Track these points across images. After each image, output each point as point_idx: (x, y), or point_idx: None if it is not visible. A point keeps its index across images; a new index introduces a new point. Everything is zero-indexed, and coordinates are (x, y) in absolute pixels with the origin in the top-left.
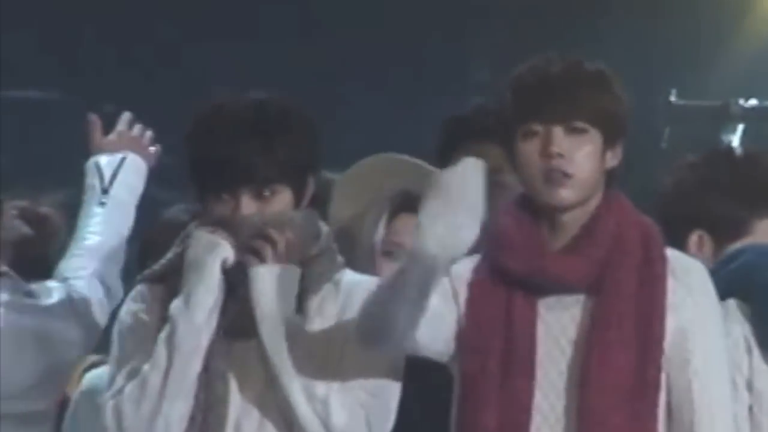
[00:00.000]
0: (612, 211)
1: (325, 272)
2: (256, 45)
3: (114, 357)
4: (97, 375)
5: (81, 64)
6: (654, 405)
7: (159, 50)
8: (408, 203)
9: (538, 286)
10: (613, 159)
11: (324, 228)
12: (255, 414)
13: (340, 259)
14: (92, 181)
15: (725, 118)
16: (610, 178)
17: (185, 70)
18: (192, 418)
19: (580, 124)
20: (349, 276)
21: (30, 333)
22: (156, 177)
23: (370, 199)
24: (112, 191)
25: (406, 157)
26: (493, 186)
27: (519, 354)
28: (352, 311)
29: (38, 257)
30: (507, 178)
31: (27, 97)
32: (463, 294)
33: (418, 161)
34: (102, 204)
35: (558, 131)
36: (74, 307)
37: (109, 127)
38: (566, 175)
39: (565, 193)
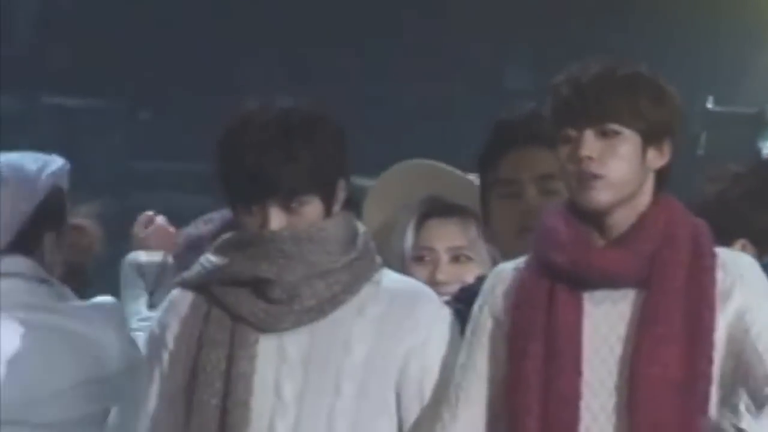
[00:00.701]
0: (661, 210)
1: (364, 273)
2: (286, 49)
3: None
4: None
5: (120, 73)
6: (705, 399)
7: (191, 58)
8: (437, 208)
9: (584, 281)
10: (658, 159)
11: (361, 229)
12: (291, 415)
13: (379, 259)
14: (134, 278)
15: (761, 124)
16: (660, 178)
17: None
18: (212, 424)
19: (612, 127)
20: (390, 277)
21: (64, 336)
22: (194, 184)
23: (399, 205)
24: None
25: (435, 163)
26: (548, 192)
27: (563, 352)
28: (398, 320)
29: (75, 267)
30: (560, 185)
31: (67, 104)
32: (501, 303)
33: (448, 167)
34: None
35: (589, 134)
36: (117, 324)
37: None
38: (596, 177)
39: (597, 195)
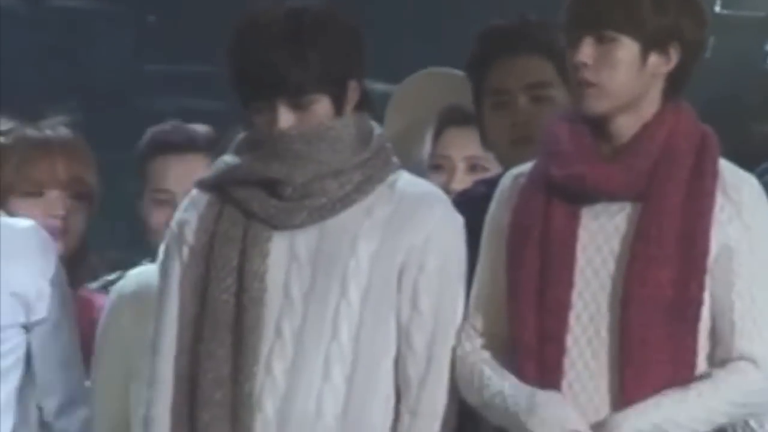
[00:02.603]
0: (665, 121)
1: (377, 174)
2: None
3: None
4: (147, 271)
5: None
6: (694, 321)
7: None
8: (455, 117)
9: (580, 193)
10: (662, 65)
11: (376, 129)
12: (297, 316)
13: (395, 160)
14: None
15: None
16: (672, 83)
17: None
18: (223, 318)
19: (608, 33)
20: (405, 179)
21: None
22: (202, 88)
23: (418, 114)
24: None
25: (455, 72)
26: (540, 100)
27: (556, 263)
28: (403, 220)
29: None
30: (553, 92)
31: (74, 6)
32: (505, 209)
33: (464, 74)
34: None
35: (588, 40)
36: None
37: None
38: (590, 84)
39: (591, 103)
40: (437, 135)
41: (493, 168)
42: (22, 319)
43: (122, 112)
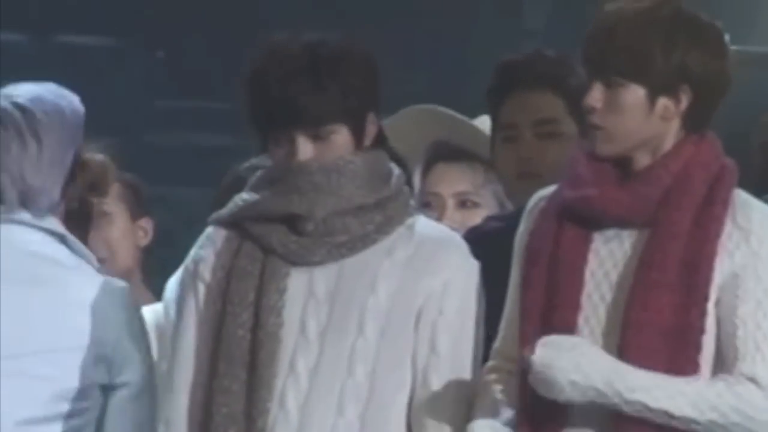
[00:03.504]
0: (682, 152)
1: (397, 215)
2: None
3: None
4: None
5: (135, 11)
6: (695, 348)
7: None
8: (443, 153)
9: (590, 217)
10: (672, 107)
11: (395, 170)
12: (313, 352)
13: (413, 203)
14: None
15: None
16: (690, 121)
17: (240, 13)
18: (238, 354)
19: (615, 78)
20: (423, 222)
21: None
22: (220, 125)
23: (406, 151)
24: None
25: (440, 108)
26: (546, 137)
27: (564, 285)
28: (423, 263)
29: (79, 204)
30: (562, 127)
31: (80, 42)
32: (527, 230)
33: (453, 112)
34: None
35: (597, 85)
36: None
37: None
38: (597, 128)
39: (601, 146)
40: (425, 172)
41: (484, 203)
42: (105, 381)
43: (132, 147)
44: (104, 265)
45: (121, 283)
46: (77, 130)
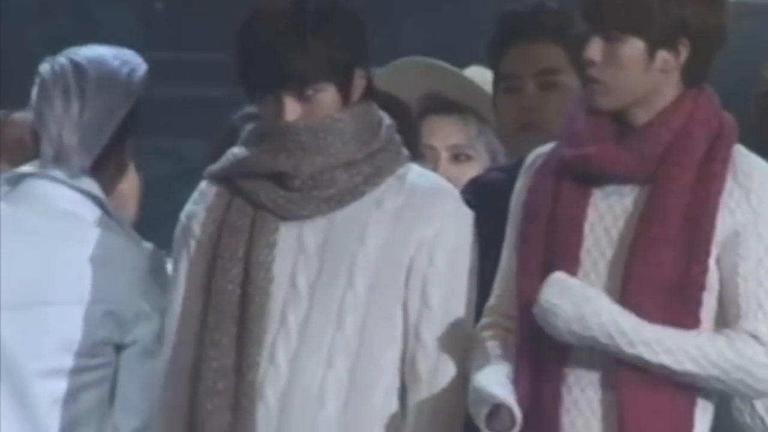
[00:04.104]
0: (682, 107)
1: (387, 165)
2: None
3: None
4: None
5: None
6: (695, 304)
7: None
8: (435, 105)
9: (589, 174)
10: (672, 60)
11: (386, 120)
12: (303, 306)
13: (405, 152)
14: None
15: None
16: (689, 74)
17: None
18: (228, 308)
19: (613, 32)
20: (416, 171)
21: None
22: (210, 75)
23: None
24: None
25: (433, 60)
26: (549, 87)
27: (562, 241)
28: (413, 213)
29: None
30: (564, 78)
31: None
32: (526, 186)
33: (446, 64)
34: None
35: (596, 38)
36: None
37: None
38: (595, 81)
39: (599, 100)
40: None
41: (478, 157)
42: (116, 339)
43: None
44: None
45: (143, 244)
46: (128, 96)
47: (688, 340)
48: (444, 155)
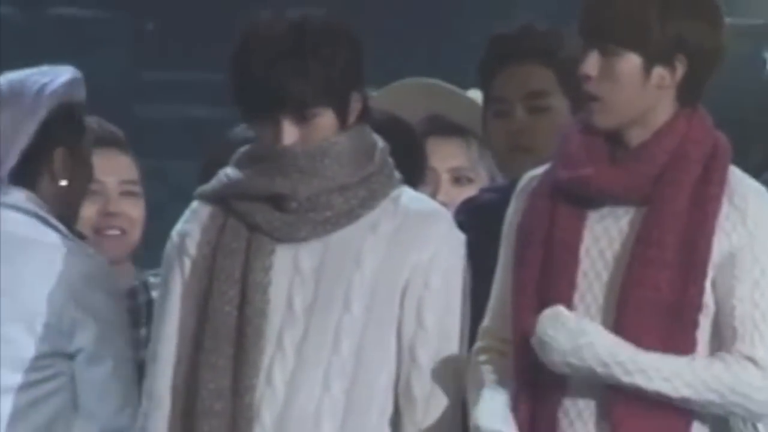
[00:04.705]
0: (676, 128)
1: (381, 188)
2: None
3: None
4: None
5: None
6: (692, 326)
7: None
8: (435, 127)
9: (585, 196)
10: (668, 77)
11: (380, 143)
12: (299, 328)
13: (397, 175)
14: None
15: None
16: (684, 93)
17: None
18: (224, 330)
19: (611, 47)
20: (409, 194)
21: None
22: (206, 96)
23: None
24: None
25: (435, 81)
26: (537, 110)
27: (559, 264)
28: (408, 236)
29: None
30: (553, 101)
31: (72, 14)
32: (519, 210)
33: (448, 85)
34: None
35: (593, 53)
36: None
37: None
38: (593, 98)
39: (597, 118)
40: None
41: (479, 179)
42: (62, 349)
43: (121, 119)
44: (124, 236)
45: (81, 250)
46: (36, 108)
47: (684, 366)
48: (445, 177)
